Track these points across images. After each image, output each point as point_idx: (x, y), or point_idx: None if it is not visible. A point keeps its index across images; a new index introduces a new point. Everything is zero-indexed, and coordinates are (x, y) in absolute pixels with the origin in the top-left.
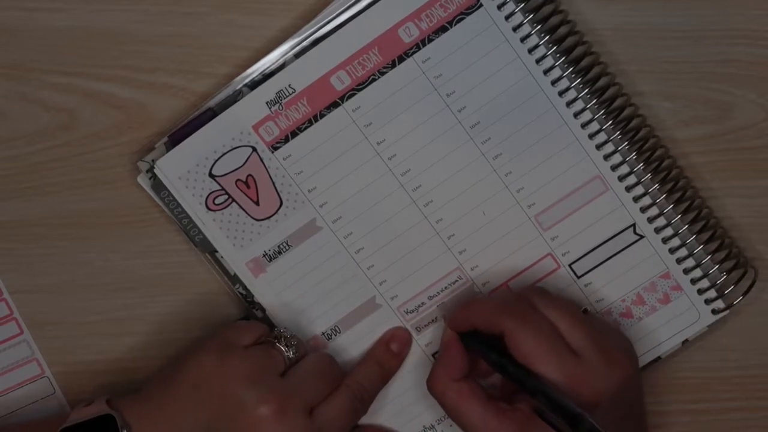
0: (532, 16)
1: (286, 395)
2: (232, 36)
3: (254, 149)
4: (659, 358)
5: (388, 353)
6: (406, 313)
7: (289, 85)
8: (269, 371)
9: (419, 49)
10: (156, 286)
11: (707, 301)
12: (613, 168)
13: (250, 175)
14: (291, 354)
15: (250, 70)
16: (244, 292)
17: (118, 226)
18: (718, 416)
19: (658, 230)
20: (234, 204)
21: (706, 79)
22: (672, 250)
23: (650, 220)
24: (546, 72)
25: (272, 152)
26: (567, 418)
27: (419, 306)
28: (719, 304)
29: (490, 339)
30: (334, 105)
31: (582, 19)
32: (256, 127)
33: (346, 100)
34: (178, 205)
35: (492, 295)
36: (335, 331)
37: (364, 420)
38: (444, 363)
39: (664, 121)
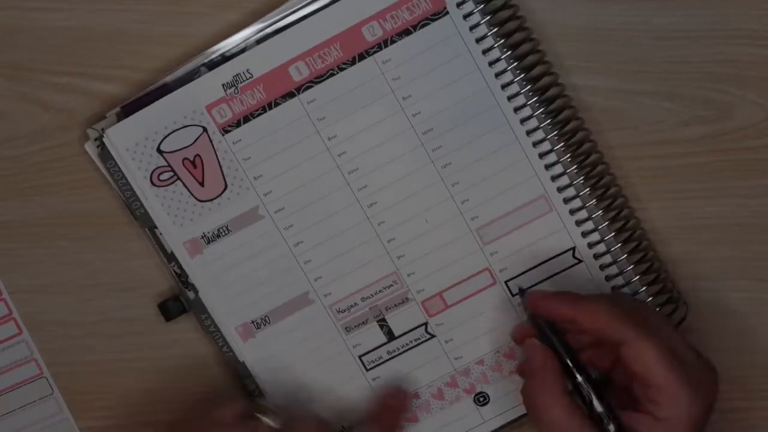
0: (496, 29)
1: None
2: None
3: (205, 130)
4: None
5: (386, 410)
6: (338, 312)
7: (248, 70)
8: None
9: (381, 49)
10: (156, 285)
11: None
12: (560, 190)
13: (197, 155)
14: (276, 425)
15: (210, 50)
16: (178, 272)
17: (118, 226)
18: (718, 416)
19: (597, 257)
20: (178, 182)
21: (706, 79)
22: (609, 278)
23: (590, 245)
24: (504, 87)
25: (222, 135)
26: None
27: (351, 306)
28: None
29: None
30: (290, 95)
31: (582, 19)
32: (209, 108)
33: (303, 91)
34: (123, 176)
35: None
36: (265, 321)
37: None
38: (546, 377)
39: (664, 121)
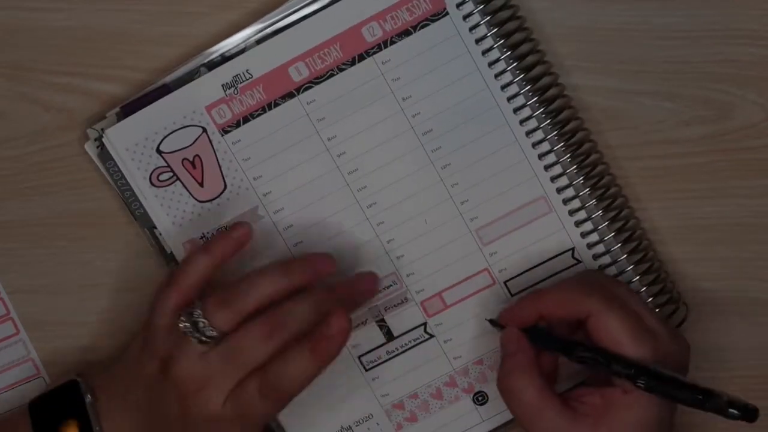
0: (496, 30)
1: (195, 385)
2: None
3: (204, 130)
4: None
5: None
6: None
7: (247, 71)
8: (182, 357)
9: (380, 50)
10: (155, 286)
11: None
12: (559, 190)
13: (197, 155)
14: (201, 337)
15: (209, 51)
16: None
17: (118, 226)
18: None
19: (596, 257)
20: (178, 182)
21: (706, 79)
22: None
23: (590, 246)
24: (504, 87)
25: (222, 135)
26: (699, 394)
27: None
28: None
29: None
30: (290, 95)
31: (582, 19)
32: (209, 108)
33: (302, 92)
34: (122, 176)
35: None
36: None
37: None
38: (519, 361)
39: (664, 121)
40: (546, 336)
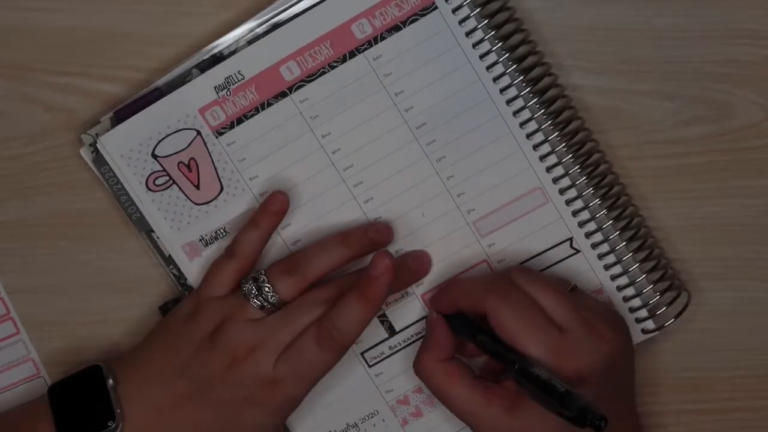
0: (486, 22)
1: (244, 350)
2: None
3: (199, 133)
4: None
5: (372, 281)
6: None
7: (239, 72)
8: (235, 322)
9: (371, 46)
10: (156, 286)
11: (638, 320)
12: (555, 180)
13: (192, 158)
14: (263, 302)
15: (201, 52)
16: (177, 274)
17: (117, 226)
18: (718, 416)
19: (594, 246)
20: (174, 186)
21: (706, 79)
22: (607, 267)
23: (588, 235)
24: (495, 79)
25: (216, 137)
26: (556, 397)
27: None
28: (650, 324)
29: (476, 321)
30: (282, 95)
31: (582, 19)
32: (202, 111)
33: (295, 90)
34: (118, 181)
35: (473, 274)
36: None
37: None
38: (430, 344)
39: (664, 121)
40: (459, 322)
